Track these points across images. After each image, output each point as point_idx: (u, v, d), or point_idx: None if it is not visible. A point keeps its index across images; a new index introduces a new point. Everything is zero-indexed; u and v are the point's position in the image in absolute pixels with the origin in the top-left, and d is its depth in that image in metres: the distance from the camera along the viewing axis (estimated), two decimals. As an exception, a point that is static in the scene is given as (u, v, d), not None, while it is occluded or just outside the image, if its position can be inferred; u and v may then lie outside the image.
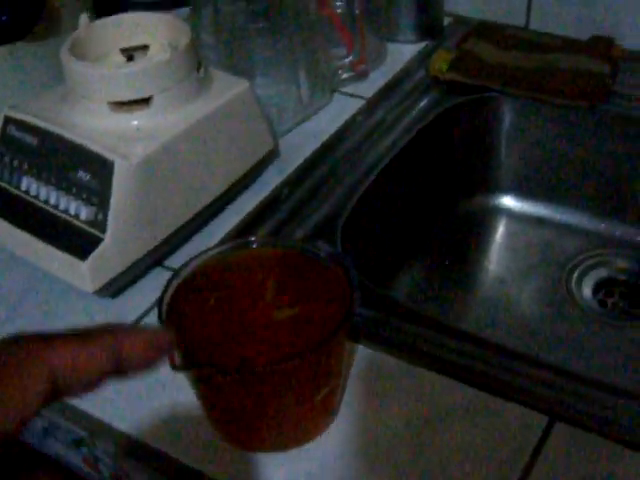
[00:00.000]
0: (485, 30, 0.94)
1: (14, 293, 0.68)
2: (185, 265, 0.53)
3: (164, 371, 0.51)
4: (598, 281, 0.87)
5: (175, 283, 0.52)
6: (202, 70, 0.69)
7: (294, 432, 0.54)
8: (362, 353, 0.60)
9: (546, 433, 0.53)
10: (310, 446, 0.54)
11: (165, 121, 0.66)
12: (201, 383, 0.51)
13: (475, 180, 0.93)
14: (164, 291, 0.51)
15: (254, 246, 0.55)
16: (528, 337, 0.82)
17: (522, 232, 0.92)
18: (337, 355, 0.51)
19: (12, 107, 0.69)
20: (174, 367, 0.46)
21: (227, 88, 0.70)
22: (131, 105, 0.65)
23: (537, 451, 0.52)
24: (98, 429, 0.57)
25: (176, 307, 0.51)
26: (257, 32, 0.78)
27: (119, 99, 0.65)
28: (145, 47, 0.69)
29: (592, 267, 0.88)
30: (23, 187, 0.67)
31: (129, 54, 0.69)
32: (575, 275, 0.87)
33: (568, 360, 0.77)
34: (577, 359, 0.78)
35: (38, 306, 0.67)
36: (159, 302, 0.51)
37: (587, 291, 0.86)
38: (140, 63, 0.66)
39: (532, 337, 0.82)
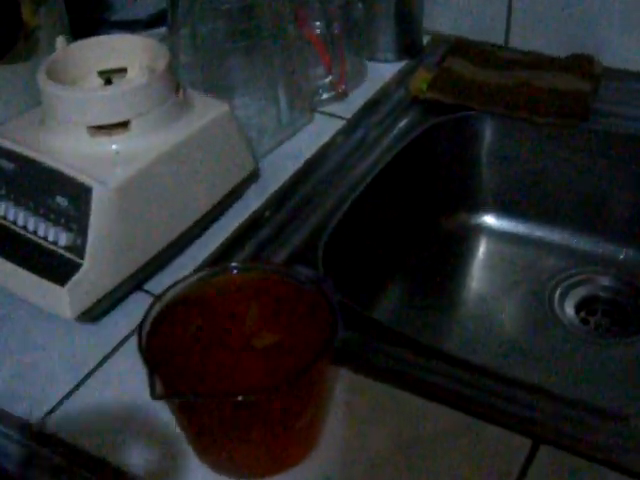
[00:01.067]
0: (464, 48, 0.94)
1: (-8, 320, 0.67)
2: (165, 292, 0.53)
3: (146, 398, 0.51)
4: (580, 299, 0.87)
5: (155, 310, 0.52)
6: (181, 93, 0.68)
7: (275, 459, 0.53)
8: (345, 376, 0.60)
9: (531, 456, 0.53)
10: (292, 473, 0.54)
11: (144, 145, 0.65)
12: (182, 411, 0.50)
13: (456, 198, 0.93)
14: (144, 318, 0.51)
15: (235, 272, 0.55)
16: (511, 356, 0.82)
17: (504, 250, 0.92)
18: (319, 382, 0.51)
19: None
20: (155, 396, 0.46)
21: (206, 111, 0.70)
22: (110, 129, 0.65)
23: (522, 474, 0.52)
24: (77, 457, 0.57)
25: (156, 334, 0.51)
26: (236, 51, 0.78)
27: (97, 123, 0.64)
28: (123, 70, 0.69)
29: (574, 285, 0.88)
30: (0, 212, 0.66)
31: (107, 77, 0.68)
32: (557, 293, 0.87)
33: (551, 379, 0.77)
34: (560, 378, 0.78)
35: (15, 334, 0.66)
36: (139, 330, 0.50)
37: (569, 309, 0.86)
38: (118, 86, 0.65)
39: (514, 356, 0.82)
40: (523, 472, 0.52)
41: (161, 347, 0.50)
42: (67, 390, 0.61)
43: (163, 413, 0.54)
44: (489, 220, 0.93)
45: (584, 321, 0.85)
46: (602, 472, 0.52)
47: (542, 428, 0.55)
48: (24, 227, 0.65)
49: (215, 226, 0.74)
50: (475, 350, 0.82)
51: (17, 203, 0.65)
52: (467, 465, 0.53)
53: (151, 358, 0.48)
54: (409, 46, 0.96)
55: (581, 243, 0.90)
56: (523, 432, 0.55)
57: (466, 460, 0.53)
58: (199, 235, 0.73)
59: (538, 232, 0.92)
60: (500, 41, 0.96)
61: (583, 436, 0.54)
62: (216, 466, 0.54)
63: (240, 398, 0.46)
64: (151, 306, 0.52)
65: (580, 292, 0.87)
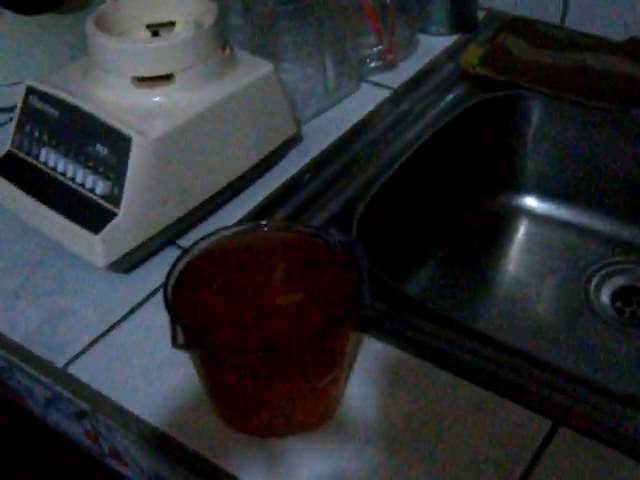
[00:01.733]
0: (519, 26, 0.92)
1: (27, 264, 0.68)
2: (195, 244, 0.53)
3: (171, 350, 0.51)
4: (617, 289, 0.85)
5: (184, 261, 0.52)
6: (227, 50, 0.68)
7: (296, 419, 0.53)
8: (371, 346, 0.59)
9: (549, 437, 0.53)
10: (311, 434, 0.54)
11: (187, 99, 0.65)
12: (203, 363, 0.50)
13: (498, 178, 0.91)
14: (171, 269, 0.51)
15: (266, 229, 0.55)
16: (541, 340, 0.81)
17: (543, 234, 0.91)
18: (341, 344, 0.51)
19: (35, 78, 0.69)
20: (176, 345, 0.46)
21: (251, 70, 0.70)
22: (153, 81, 0.65)
23: (538, 454, 0.52)
24: (101, 403, 0.57)
25: (183, 285, 0.51)
26: (286, 15, 0.78)
27: (141, 74, 0.64)
28: (171, 24, 0.69)
29: (612, 274, 0.86)
30: (42, 158, 0.67)
31: (154, 30, 0.69)
32: (594, 281, 0.86)
33: (580, 366, 0.76)
34: (589, 365, 0.77)
35: (50, 278, 0.67)
36: (165, 279, 0.50)
37: (605, 298, 0.85)
38: (165, 39, 0.65)
39: (545, 340, 0.81)
40: (539, 452, 0.52)
41: (186, 299, 0.50)
42: (94, 336, 0.62)
43: (185, 367, 0.55)
44: (531, 202, 0.92)
45: (619, 311, 0.84)
46: (619, 458, 0.51)
47: (563, 410, 0.54)
48: (63, 173, 0.65)
49: (253, 187, 0.74)
50: (505, 332, 0.81)
51: (58, 150, 0.66)
52: (485, 441, 0.53)
53: (175, 308, 0.49)
54: (463, 21, 0.95)
55: (622, 232, 0.88)
56: (544, 412, 0.54)
57: (484, 436, 0.53)
58: (236, 195, 0.73)
59: (580, 218, 0.90)
60: (556, 21, 0.94)
61: (603, 421, 0.54)
62: (233, 422, 0.54)
63: (261, 353, 0.46)
64: (179, 257, 0.52)
65: (617, 281, 0.86)
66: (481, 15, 0.97)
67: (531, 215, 0.92)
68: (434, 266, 0.87)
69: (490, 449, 0.52)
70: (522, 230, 0.92)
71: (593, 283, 0.86)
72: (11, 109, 0.71)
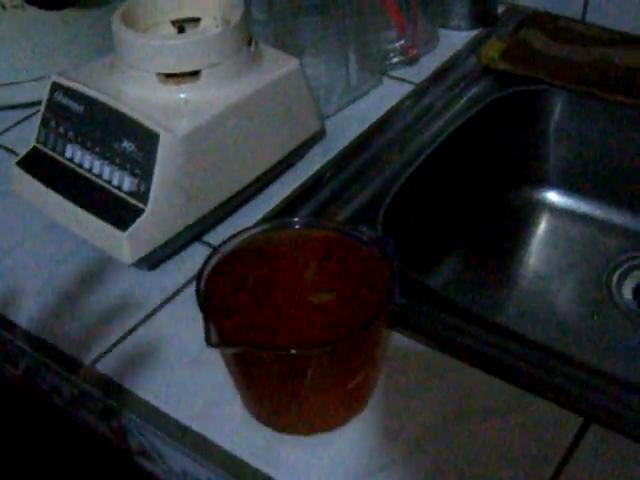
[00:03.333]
0: (539, 20, 0.92)
1: (51, 261, 0.68)
2: (226, 241, 0.53)
3: (199, 347, 0.51)
4: (639, 283, 0.85)
5: (215, 259, 0.52)
6: (253, 46, 0.68)
7: (323, 417, 0.53)
8: (397, 341, 0.59)
9: (580, 434, 0.53)
10: (338, 432, 0.54)
11: (213, 95, 0.65)
12: (236, 361, 0.50)
13: (520, 173, 0.91)
14: (204, 266, 0.51)
15: (296, 227, 0.55)
16: (564, 334, 0.81)
17: (565, 228, 0.91)
18: (373, 343, 0.51)
19: (60, 74, 0.69)
20: (209, 343, 0.46)
21: (277, 66, 0.70)
22: (180, 78, 0.65)
23: (570, 451, 0.52)
24: (128, 400, 0.58)
25: (214, 283, 0.51)
26: (309, 10, 0.78)
27: (168, 71, 0.64)
28: (197, 20, 0.69)
29: (634, 268, 0.86)
30: (67, 154, 0.67)
31: (180, 26, 0.68)
32: (616, 275, 0.86)
33: (603, 360, 0.76)
34: (613, 360, 0.77)
35: (75, 275, 0.67)
36: (198, 276, 0.50)
37: (627, 293, 0.84)
38: (191, 35, 0.65)
39: (568, 335, 0.81)
40: (571, 449, 0.52)
41: (218, 296, 0.50)
42: (121, 333, 0.62)
43: (213, 363, 0.55)
44: (552, 197, 0.92)
45: (641, 306, 0.84)
46: (653, 456, 0.51)
47: (594, 407, 0.54)
48: (90, 170, 0.65)
49: (278, 183, 0.74)
50: (528, 326, 0.81)
51: (84, 146, 0.66)
52: (515, 438, 0.53)
53: (208, 306, 0.49)
54: (483, 15, 0.94)
55: (644, 227, 0.88)
56: (575, 409, 0.54)
57: (514, 433, 0.53)
58: (261, 190, 0.73)
59: (601, 212, 0.90)
60: (577, 15, 0.93)
61: (634, 418, 0.54)
62: (263, 418, 0.54)
63: (294, 352, 0.46)
64: (211, 254, 0.52)
65: (639, 276, 0.86)
66: (501, 9, 0.97)
67: (553, 209, 0.92)
68: (456, 260, 0.87)
69: (521, 446, 0.52)
70: (544, 224, 0.91)
71: (615, 277, 0.86)
72: (35, 104, 0.70)
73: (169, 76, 0.64)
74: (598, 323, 0.82)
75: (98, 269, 0.67)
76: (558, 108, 0.87)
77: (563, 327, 0.82)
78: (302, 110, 0.72)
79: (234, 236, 0.53)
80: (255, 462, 0.53)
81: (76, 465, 0.76)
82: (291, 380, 0.49)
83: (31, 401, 0.71)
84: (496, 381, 0.56)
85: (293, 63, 0.70)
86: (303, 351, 0.46)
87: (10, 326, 0.64)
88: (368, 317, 0.48)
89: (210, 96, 0.65)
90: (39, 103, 0.70)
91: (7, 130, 0.84)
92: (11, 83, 0.84)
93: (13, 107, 0.85)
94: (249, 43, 0.68)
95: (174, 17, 0.69)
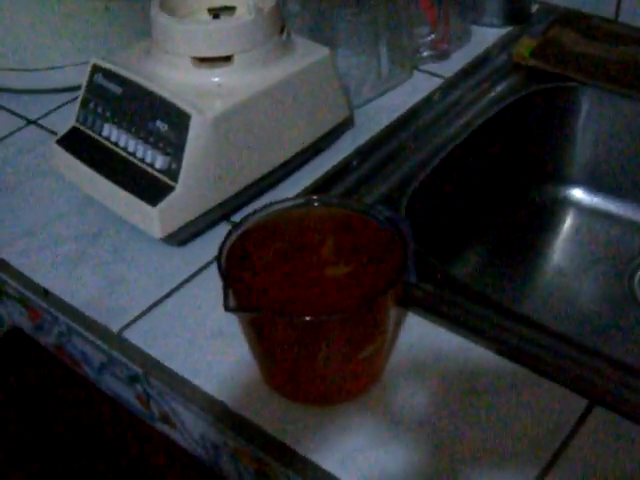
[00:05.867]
0: (572, 19, 0.93)
1: (87, 233, 0.71)
2: (250, 215, 0.55)
3: (222, 320, 0.53)
4: (661, 282, 0.86)
5: (239, 231, 0.54)
6: (285, 34, 0.71)
7: (337, 387, 0.55)
8: (414, 321, 0.61)
9: (584, 415, 0.54)
10: (352, 404, 0.56)
11: (245, 80, 0.68)
12: (252, 328, 0.53)
13: (546, 169, 0.92)
14: (227, 236, 0.53)
15: (316, 204, 0.57)
16: (583, 329, 0.81)
17: (589, 226, 0.92)
18: (383, 315, 0.52)
19: (100, 57, 0.72)
20: (227, 308, 0.48)
21: (308, 54, 0.72)
22: (213, 62, 0.67)
23: (573, 432, 0.53)
24: (153, 367, 0.60)
25: (236, 255, 0.53)
26: (342, 3, 0.80)
27: (202, 55, 0.67)
28: (232, 8, 0.71)
29: (657, 267, 0.87)
30: (104, 133, 0.70)
31: (215, 13, 0.71)
32: (638, 274, 0.86)
33: (620, 353, 0.76)
34: (630, 354, 0.78)
35: (108, 248, 0.70)
36: (220, 245, 0.53)
37: (649, 291, 0.85)
38: (225, 22, 0.68)
39: (587, 330, 0.81)
40: (574, 430, 0.53)
41: (239, 266, 0.53)
42: (149, 304, 0.65)
43: (235, 336, 0.57)
44: (578, 194, 0.93)
45: (662, 304, 0.84)
46: (654, 438, 0.53)
47: (599, 390, 0.56)
48: (124, 148, 0.68)
49: (305, 168, 0.76)
50: (547, 320, 0.81)
51: (120, 125, 0.69)
52: (521, 417, 0.54)
53: (228, 273, 0.51)
54: (516, 13, 0.96)
55: (668, 226, 0.89)
56: (580, 392, 0.55)
57: (521, 412, 0.55)
58: (288, 175, 0.75)
59: (626, 211, 0.91)
60: (610, 15, 0.94)
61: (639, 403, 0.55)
62: (278, 387, 0.56)
63: (308, 318, 0.48)
64: (235, 227, 0.54)
65: (662, 275, 0.86)
66: (534, 8, 0.98)
67: (577, 207, 0.93)
68: (479, 252, 0.88)
69: (526, 425, 0.54)
70: (568, 221, 0.92)
71: (637, 276, 0.86)
72: (77, 88, 0.73)
73: (203, 60, 0.67)
74: (618, 319, 0.83)
75: (130, 243, 0.70)
76: (586, 106, 0.88)
77: (583, 322, 0.83)
78: (331, 98, 0.74)
79: (256, 212, 0.55)
80: (271, 430, 0.55)
81: (101, 432, 0.79)
82: (305, 348, 0.52)
83: (60, 370, 0.74)
84: (506, 362, 0.58)
85: (324, 52, 0.72)
86: (317, 317, 0.48)
87: (45, 294, 0.67)
88: (378, 290, 0.50)
89: (242, 81, 0.67)
90: (81, 87, 0.73)
91: (49, 112, 0.88)
92: (55, 67, 0.88)
93: (56, 91, 0.89)
94: (281, 32, 0.70)
95: (210, 5, 0.71)
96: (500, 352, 0.59)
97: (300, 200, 0.57)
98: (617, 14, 0.94)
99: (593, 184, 0.92)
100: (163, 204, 0.65)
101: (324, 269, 0.53)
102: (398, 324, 0.60)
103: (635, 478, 0.51)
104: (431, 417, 0.55)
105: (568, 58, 0.87)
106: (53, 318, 0.66)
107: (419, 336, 0.60)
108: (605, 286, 0.87)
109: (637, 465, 0.51)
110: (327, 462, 0.53)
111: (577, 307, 0.85)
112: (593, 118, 0.88)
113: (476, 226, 0.88)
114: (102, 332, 0.63)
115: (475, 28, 0.95)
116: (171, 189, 0.65)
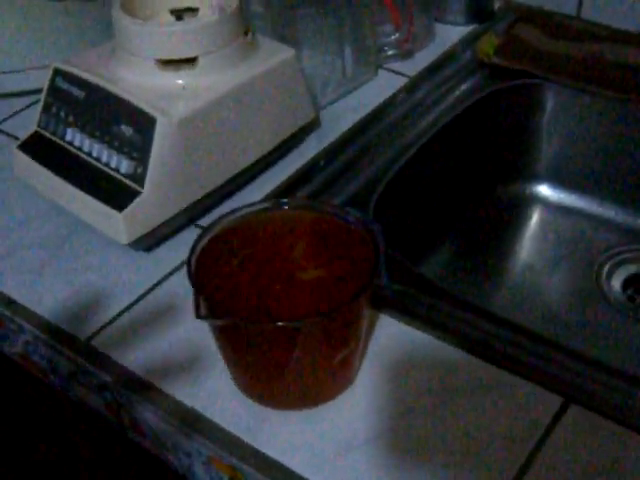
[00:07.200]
0: (534, 16, 0.94)
1: (52, 241, 0.70)
2: (219, 220, 0.55)
3: (192, 325, 0.52)
4: (628, 276, 0.86)
5: (208, 236, 0.54)
6: (249, 35, 0.70)
7: (311, 392, 0.55)
8: (386, 322, 0.61)
9: (559, 414, 0.54)
10: (325, 407, 0.55)
11: (210, 82, 0.67)
12: (223, 335, 0.52)
13: (512, 166, 0.93)
14: (196, 242, 0.53)
15: (286, 207, 0.57)
16: (552, 325, 0.82)
17: (556, 222, 0.92)
18: (356, 319, 0.52)
19: (62, 60, 0.71)
20: (199, 315, 0.48)
21: (272, 55, 0.71)
22: (177, 64, 0.66)
23: (548, 430, 0.53)
24: (122, 375, 0.59)
25: (206, 259, 0.53)
26: (306, 3, 0.79)
27: (166, 57, 0.66)
28: (194, 9, 0.71)
29: (623, 262, 0.88)
30: (68, 138, 0.69)
31: (178, 15, 0.70)
32: (606, 269, 0.87)
33: (590, 349, 0.77)
34: (599, 349, 0.78)
35: (75, 255, 0.69)
36: (190, 251, 0.52)
37: (616, 285, 0.86)
38: (188, 23, 0.67)
39: (556, 325, 0.82)
40: (550, 428, 0.53)
41: (209, 273, 0.52)
42: (117, 311, 0.64)
43: (205, 342, 0.56)
44: (544, 191, 0.93)
45: (630, 299, 0.85)
46: (628, 435, 0.53)
47: (573, 388, 0.56)
48: (89, 153, 0.67)
49: (272, 170, 0.76)
50: (517, 316, 0.82)
51: (84, 130, 0.68)
52: (496, 417, 0.54)
53: (198, 280, 0.50)
54: (480, 11, 0.96)
55: (635, 220, 0.89)
56: (554, 390, 0.55)
57: (496, 412, 0.54)
58: (255, 177, 0.74)
59: (592, 206, 0.91)
60: (572, 12, 0.95)
61: (613, 399, 0.55)
62: (251, 393, 0.56)
63: (280, 324, 0.48)
64: (203, 232, 0.54)
65: (629, 269, 0.87)
66: (497, 5, 0.98)
67: (544, 203, 0.93)
68: (448, 251, 0.88)
69: (502, 425, 0.54)
70: (535, 218, 0.93)
71: (605, 271, 0.87)
72: (39, 91, 0.72)
73: (167, 62, 0.66)
74: (587, 314, 0.84)
75: (97, 249, 0.69)
76: (550, 102, 0.88)
77: (552, 317, 0.83)
78: (296, 99, 0.74)
79: (225, 215, 0.55)
80: (244, 436, 0.54)
81: (70, 440, 0.78)
82: (278, 353, 0.51)
83: (27, 378, 0.73)
84: (480, 362, 0.58)
85: (288, 52, 0.72)
86: (289, 323, 0.48)
87: (9, 303, 0.65)
88: (351, 295, 0.49)
89: (207, 82, 0.67)
90: (42, 91, 0.72)
91: (11, 117, 0.86)
92: (15, 71, 0.86)
93: (17, 95, 0.87)
94: (246, 33, 0.70)
95: (173, 6, 0.71)
96: (473, 351, 0.59)
97: (269, 203, 0.57)
98: (579, 11, 0.95)
99: (559, 180, 0.92)
100: (129, 209, 0.64)
101: (295, 273, 0.52)
102: (370, 325, 0.60)
103: (611, 474, 0.51)
104: (405, 419, 0.54)
105: (532, 55, 0.88)
106: (18, 327, 0.65)
107: (391, 337, 0.60)
108: (573, 281, 0.87)
109: (613, 461, 0.51)
110: (301, 467, 0.52)
111: (546, 303, 0.85)
112: (557, 115, 0.89)
113: (444, 225, 0.88)
114: (69, 341, 0.62)
115: (439, 26, 0.95)
116: (137, 194, 0.64)
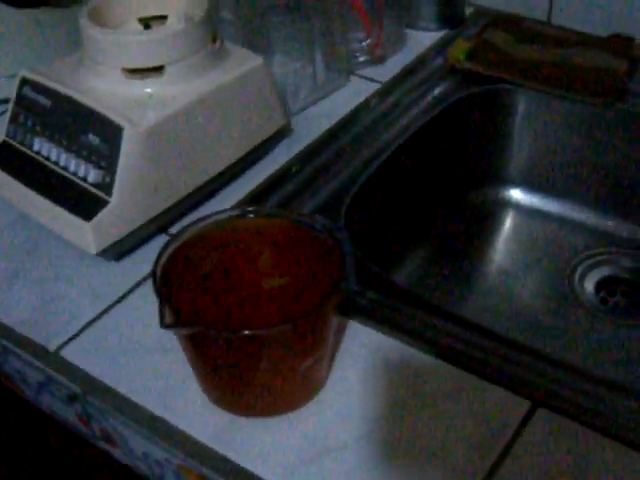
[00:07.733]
0: (505, 22, 0.94)
1: (20, 251, 0.70)
2: (185, 229, 0.55)
3: (160, 333, 0.52)
4: (601, 279, 0.87)
5: (174, 245, 0.54)
6: (218, 43, 0.70)
7: (280, 399, 0.55)
8: (355, 329, 0.61)
9: (527, 417, 0.54)
10: (296, 414, 0.55)
11: (178, 90, 0.67)
12: (190, 344, 0.52)
13: (484, 171, 0.93)
14: (162, 251, 0.53)
15: (252, 216, 0.57)
16: (526, 329, 0.82)
17: (528, 226, 0.92)
18: (322, 327, 0.52)
19: (30, 69, 0.70)
20: (164, 325, 0.47)
21: (241, 62, 0.71)
22: (144, 73, 0.66)
23: (517, 434, 0.53)
24: (92, 386, 0.59)
25: (172, 268, 0.52)
26: (276, 10, 0.79)
27: (133, 66, 0.66)
28: (163, 17, 0.70)
29: (596, 265, 0.88)
30: (35, 148, 0.69)
31: (146, 23, 0.70)
32: (578, 271, 0.87)
33: (563, 353, 0.78)
34: (573, 353, 0.79)
35: (43, 265, 0.68)
36: (155, 261, 0.52)
37: (589, 288, 0.86)
38: (155, 32, 0.67)
39: (530, 329, 0.82)
40: (518, 431, 0.53)
41: (175, 281, 0.52)
42: (86, 321, 0.63)
43: (174, 350, 0.56)
44: (516, 195, 0.94)
45: (603, 301, 0.85)
46: (596, 438, 0.53)
47: (542, 392, 0.56)
48: (56, 162, 0.67)
49: (243, 177, 0.76)
50: (491, 321, 0.83)
51: (51, 139, 0.67)
52: (464, 421, 0.54)
53: (163, 289, 0.50)
54: (450, 16, 0.96)
55: (606, 223, 0.90)
56: (523, 394, 0.56)
57: (465, 416, 0.55)
58: (226, 184, 0.74)
59: (564, 210, 0.92)
60: (542, 17, 0.96)
61: (581, 403, 0.55)
62: (219, 401, 0.55)
63: (246, 332, 0.47)
64: (169, 241, 0.54)
65: (601, 272, 0.87)
66: (469, 11, 0.99)
67: (516, 207, 0.93)
68: (421, 257, 0.88)
69: (471, 428, 0.54)
70: (507, 222, 0.93)
71: (577, 274, 0.87)
72: (7, 101, 0.72)
73: (134, 71, 0.66)
74: (560, 317, 0.84)
75: (65, 259, 0.68)
76: (521, 107, 0.89)
77: (526, 322, 0.83)
78: (266, 106, 0.74)
79: (192, 224, 0.55)
80: (213, 444, 0.54)
81: (42, 451, 0.77)
82: (245, 362, 0.51)
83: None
84: (449, 367, 0.58)
85: (257, 60, 0.72)
86: (255, 332, 0.48)
87: (-23, 315, 0.65)
88: (316, 302, 0.49)
89: (174, 91, 0.67)
90: (10, 100, 0.71)
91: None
92: (-16, 80, 0.86)
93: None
94: (214, 40, 0.70)
95: (141, 15, 0.71)
96: (442, 356, 0.59)
97: (236, 211, 0.57)
98: (549, 16, 0.95)
99: (531, 184, 0.93)
100: (97, 219, 0.63)
101: (261, 281, 0.52)
102: (340, 332, 0.60)
103: (578, 477, 0.51)
104: (375, 424, 0.55)
105: (503, 60, 0.88)
106: (-13, 338, 0.65)
107: (361, 344, 0.60)
108: (546, 285, 0.87)
109: (581, 464, 0.51)
110: (270, 474, 0.52)
111: (519, 307, 0.85)
112: (529, 119, 0.89)
113: (416, 230, 0.88)
114: (39, 351, 0.62)
115: (410, 32, 0.95)
116: (105, 203, 0.64)
